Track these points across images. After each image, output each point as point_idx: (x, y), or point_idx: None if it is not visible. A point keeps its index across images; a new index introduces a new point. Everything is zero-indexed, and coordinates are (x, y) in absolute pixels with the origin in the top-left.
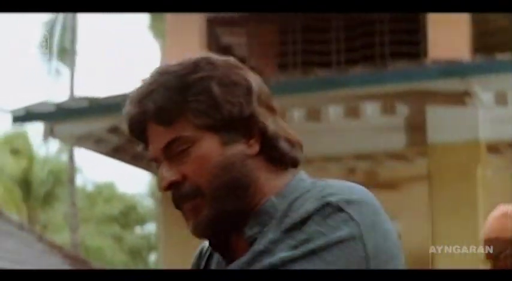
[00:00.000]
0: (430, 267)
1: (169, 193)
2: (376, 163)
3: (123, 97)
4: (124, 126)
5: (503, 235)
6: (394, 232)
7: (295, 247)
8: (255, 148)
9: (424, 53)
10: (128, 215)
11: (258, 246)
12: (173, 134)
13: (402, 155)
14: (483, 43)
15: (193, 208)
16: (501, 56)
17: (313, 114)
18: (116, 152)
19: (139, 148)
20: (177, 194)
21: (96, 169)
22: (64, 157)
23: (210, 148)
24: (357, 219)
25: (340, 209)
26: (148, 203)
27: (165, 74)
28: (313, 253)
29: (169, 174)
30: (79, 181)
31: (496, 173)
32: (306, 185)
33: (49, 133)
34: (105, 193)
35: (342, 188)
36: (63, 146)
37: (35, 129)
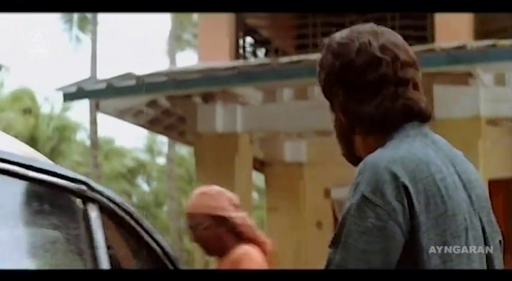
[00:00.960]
0: None
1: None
2: None
3: (164, 74)
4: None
5: (200, 210)
6: (428, 176)
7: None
8: (341, 116)
9: (432, 37)
10: (134, 172)
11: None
12: None
13: None
14: (485, 28)
15: None
16: (502, 43)
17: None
18: (151, 124)
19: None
20: None
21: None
22: (68, 114)
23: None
24: (381, 204)
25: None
26: (155, 161)
27: None
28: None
29: None
30: (79, 136)
31: (494, 144)
32: (361, 165)
33: (95, 108)
34: (105, 148)
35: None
36: (67, 104)
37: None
